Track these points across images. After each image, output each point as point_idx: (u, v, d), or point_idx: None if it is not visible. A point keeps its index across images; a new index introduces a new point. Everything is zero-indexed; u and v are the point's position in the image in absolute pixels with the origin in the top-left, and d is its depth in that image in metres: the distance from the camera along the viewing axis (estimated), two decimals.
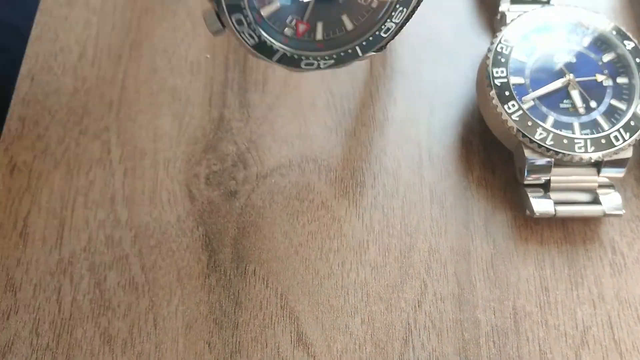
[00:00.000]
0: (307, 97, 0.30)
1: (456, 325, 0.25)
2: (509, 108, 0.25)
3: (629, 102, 0.26)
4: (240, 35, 0.22)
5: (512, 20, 0.27)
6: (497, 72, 0.26)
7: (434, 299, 0.25)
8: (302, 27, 0.23)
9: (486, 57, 0.27)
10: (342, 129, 0.29)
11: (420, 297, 0.25)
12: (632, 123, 0.25)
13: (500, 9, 0.30)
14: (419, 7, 0.24)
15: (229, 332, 0.24)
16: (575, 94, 0.26)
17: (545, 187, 0.26)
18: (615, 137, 0.25)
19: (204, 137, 0.29)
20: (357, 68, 0.31)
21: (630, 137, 0.25)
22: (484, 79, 0.26)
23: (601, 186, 0.26)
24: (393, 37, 0.24)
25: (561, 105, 0.26)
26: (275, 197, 0.27)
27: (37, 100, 0.30)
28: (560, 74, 0.27)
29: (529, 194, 0.26)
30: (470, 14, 0.33)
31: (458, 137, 0.29)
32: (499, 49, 0.27)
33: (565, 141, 0.25)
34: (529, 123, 0.25)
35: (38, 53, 0.31)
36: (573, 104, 0.26)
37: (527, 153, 0.25)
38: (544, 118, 0.26)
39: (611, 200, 0.26)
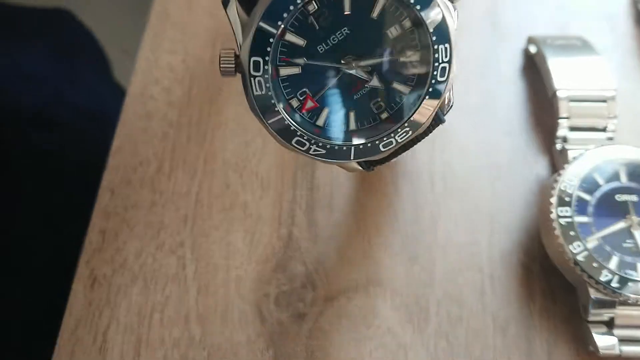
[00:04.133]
0: (372, 217, 0.31)
1: None
2: (574, 248, 0.26)
3: None
4: (250, 81, 0.21)
5: (574, 159, 0.29)
6: (562, 212, 0.27)
7: None
8: (309, 104, 0.22)
9: (550, 195, 0.28)
10: (405, 252, 0.30)
11: None
12: None
13: (558, 133, 0.31)
14: (427, 136, 0.23)
15: None
16: (638, 235, 0.27)
17: (609, 324, 0.27)
18: None
19: (273, 255, 0.30)
20: (420, 189, 0.32)
21: None
22: (548, 216, 0.27)
23: None
24: (390, 158, 0.23)
25: (624, 245, 0.27)
26: (342, 321, 0.28)
27: (116, 213, 0.31)
28: (622, 213, 0.27)
29: (592, 330, 0.27)
30: (527, 135, 0.34)
31: (519, 262, 0.30)
32: (562, 188, 0.28)
33: (630, 284, 0.26)
34: (594, 264, 0.26)
35: (119, 166, 0.33)
36: (636, 245, 0.27)
37: (592, 292, 0.26)
38: (608, 258, 0.27)
39: None
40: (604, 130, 0.31)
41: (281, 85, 0.22)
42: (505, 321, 0.28)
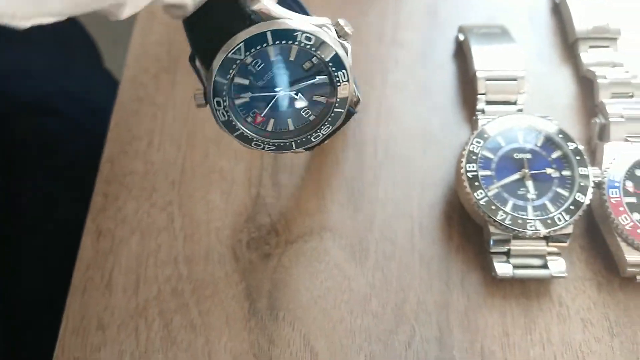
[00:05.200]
0: (325, 179, 0.38)
1: None
2: (477, 195, 0.34)
3: (571, 190, 0.34)
4: (216, 112, 0.30)
5: (482, 126, 0.36)
6: (469, 167, 0.34)
7: (421, 341, 0.33)
8: (259, 119, 0.30)
9: (461, 155, 0.35)
10: (351, 204, 0.37)
11: (410, 339, 0.33)
12: (571, 207, 0.33)
13: (478, 107, 0.39)
14: (345, 124, 0.31)
15: None
16: (529, 184, 0.34)
17: (507, 254, 0.34)
18: (559, 218, 0.33)
19: (245, 210, 0.37)
20: (365, 155, 0.39)
21: (570, 218, 0.33)
22: (459, 171, 0.35)
23: (550, 253, 0.34)
24: (320, 143, 0.32)
25: (518, 192, 0.34)
26: (300, 259, 0.36)
27: (116, 179, 0.38)
28: (518, 167, 0.35)
29: (494, 259, 0.34)
30: (455, 110, 0.41)
31: (442, 212, 0.37)
32: (471, 148, 0.35)
33: (520, 221, 0.33)
34: (493, 207, 0.33)
35: (116, 141, 0.40)
36: (527, 192, 0.34)
37: (492, 229, 0.34)
38: (505, 202, 0.34)
39: (557, 266, 0.34)
40: (515, 103, 0.39)
41: (238, 110, 0.30)
42: (429, 257, 0.36)
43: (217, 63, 0.28)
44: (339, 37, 0.29)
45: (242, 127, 0.30)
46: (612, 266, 0.35)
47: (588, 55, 0.42)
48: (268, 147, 0.31)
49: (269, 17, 0.28)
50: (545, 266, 0.34)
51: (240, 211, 0.37)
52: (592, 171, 0.35)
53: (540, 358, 0.33)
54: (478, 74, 0.39)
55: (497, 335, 0.33)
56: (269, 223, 0.37)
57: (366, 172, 0.38)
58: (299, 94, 0.30)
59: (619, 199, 0.34)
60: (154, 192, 0.38)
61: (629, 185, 0.35)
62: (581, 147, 0.35)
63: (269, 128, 0.31)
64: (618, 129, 0.37)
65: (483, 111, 0.38)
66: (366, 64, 0.42)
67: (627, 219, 0.33)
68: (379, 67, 0.43)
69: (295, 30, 0.28)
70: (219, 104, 0.29)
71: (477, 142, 0.35)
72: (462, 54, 0.43)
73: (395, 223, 0.37)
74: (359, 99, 0.31)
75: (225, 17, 0.28)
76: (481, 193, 0.34)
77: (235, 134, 0.30)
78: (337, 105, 0.30)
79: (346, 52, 0.29)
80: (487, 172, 0.35)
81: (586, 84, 0.41)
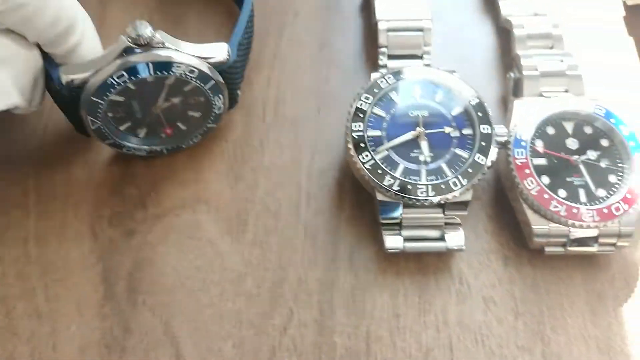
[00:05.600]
0: (205, 144, 0.34)
1: (315, 348, 0.28)
2: (362, 158, 0.29)
3: (471, 151, 0.30)
4: (135, 155, 0.32)
5: (375, 80, 0.31)
6: (355, 127, 0.30)
7: (298, 325, 0.29)
8: (169, 131, 0.32)
9: (348, 113, 0.31)
10: (232, 173, 0.33)
11: (286, 323, 0.29)
12: (470, 170, 0.29)
13: (380, 62, 0.34)
14: (238, 74, 0.32)
15: (116, 356, 0.28)
16: (424, 145, 0.30)
17: (400, 225, 0.30)
18: (454, 182, 0.29)
19: (110, 182, 0.33)
20: (252, 117, 0.35)
21: (467, 182, 0.29)
22: (345, 131, 0.30)
23: (448, 224, 0.30)
24: (232, 106, 0.33)
25: (411, 155, 0.30)
26: (169, 235, 0.31)
27: None
28: (413, 127, 0.30)
29: (383, 232, 0.30)
30: (357, 67, 0.37)
31: (333, 179, 0.33)
32: (359, 106, 0.31)
33: (409, 187, 0.29)
34: (379, 171, 0.29)
35: None
36: (421, 153, 0.30)
37: (379, 196, 0.29)
38: (395, 166, 0.30)
39: (454, 238, 0.30)
40: (421, 57, 0.34)
41: (148, 139, 0.32)
42: (315, 230, 0.31)
43: (94, 135, 0.30)
44: (144, 46, 0.28)
45: (164, 145, 0.32)
46: (521, 237, 0.31)
47: (507, 3, 0.38)
48: (196, 138, 0.32)
49: (83, 81, 0.28)
50: (442, 238, 0.30)
51: (105, 183, 0.33)
52: (497, 129, 0.31)
53: (434, 343, 0.29)
54: (380, 25, 0.35)
55: (386, 317, 0.29)
56: (137, 195, 0.32)
57: (252, 137, 0.34)
58: (172, 99, 0.30)
59: (524, 160, 0.30)
60: (7, 164, 0.33)
61: (539, 145, 0.31)
62: (485, 103, 0.31)
63: (184, 127, 0.32)
64: (532, 83, 0.33)
65: (386, 67, 0.34)
66: (262, 17, 0.38)
67: (532, 183, 0.29)
68: (276, 20, 0.38)
69: (105, 81, 0.28)
70: (128, 149, 0.32)
71: (366, 98, 0.31)
72: (368, 5, 0.38)
73: (280, 192, 0.32)
74: (226, 57, 0.30)
75: (61, 101, 0.30)
76: (367, 156, 0.30)
77: (166, 153, 0.32)
78: (203, 82, 0.29)
79: (168, 47, 0.28)
80: (377, 132, 0.30)
81: (506, 36, 0.37)
